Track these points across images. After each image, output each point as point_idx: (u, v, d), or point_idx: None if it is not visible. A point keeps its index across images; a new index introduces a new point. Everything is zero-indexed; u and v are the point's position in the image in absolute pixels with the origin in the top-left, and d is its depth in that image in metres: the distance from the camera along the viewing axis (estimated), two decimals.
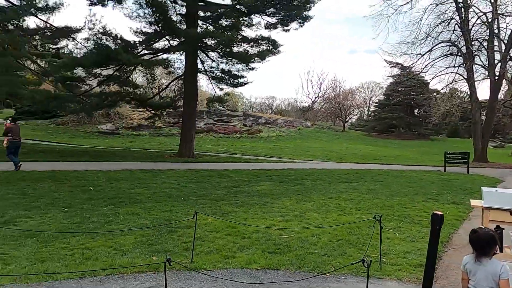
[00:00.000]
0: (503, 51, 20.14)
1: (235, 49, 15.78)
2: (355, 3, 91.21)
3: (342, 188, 9.65)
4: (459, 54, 21.72)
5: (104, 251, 4.31)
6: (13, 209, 6.31)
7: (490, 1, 20.15)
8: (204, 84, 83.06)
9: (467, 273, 2.45)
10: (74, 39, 18.55)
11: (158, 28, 15.13)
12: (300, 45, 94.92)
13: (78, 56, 14.70)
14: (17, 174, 9.64)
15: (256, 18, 16.21)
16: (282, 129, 37.26)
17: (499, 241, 2.84)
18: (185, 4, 15.43)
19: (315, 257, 4.23)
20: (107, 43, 13.44)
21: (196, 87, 17.44)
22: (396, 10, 22.33)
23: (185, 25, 15.84)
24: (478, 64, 21.71)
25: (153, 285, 3.38)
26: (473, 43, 20.81)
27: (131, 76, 19.55)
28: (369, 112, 58.58)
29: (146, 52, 16.17)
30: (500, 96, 26.98)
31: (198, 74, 17.36)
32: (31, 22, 35.05)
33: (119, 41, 14.14)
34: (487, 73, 21.38)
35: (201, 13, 15.95)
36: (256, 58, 15.80)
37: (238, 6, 14.94)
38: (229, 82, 17.54)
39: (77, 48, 17.97)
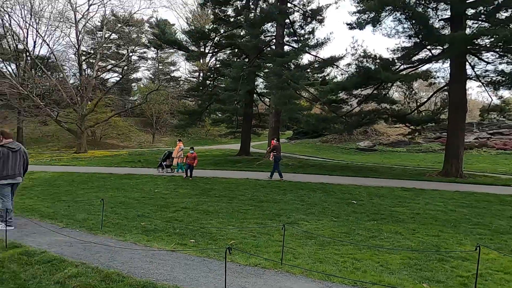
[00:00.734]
0: None
1: None
2: None
3: None
4: None
5: (371, 265, 4.47)
6: (296, 212, 7.75)
7: None
8: (473, 92, 70.99)
9: None
10: (337, 66, 20.92)
11: (418, 40, 14.47)
12: None
13: (342, 80, 16.39)
14: (297, 184, 11.77)
15: None
16: None
17: None
18: (449, 6, 13.96)
19: None
20: (367, 64, 14.20)
21: (465, 96, 15.15)
22: None
23: (449, 30, 14.28)
24: None
25: None
26: None
27: (389, 93, 19.63)
28: None
29: (405, 66, 15.77)
30: None
31: (467, 80, 15.05)
32: (304, 58, 42.61)
33: (378, 61, 14.61)
34: None
35: (470, 11, 13.86)
36: None
37: None
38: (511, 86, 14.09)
39: (340, 74, 20.13)
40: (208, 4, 23.46)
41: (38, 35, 31.53)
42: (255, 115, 27.53)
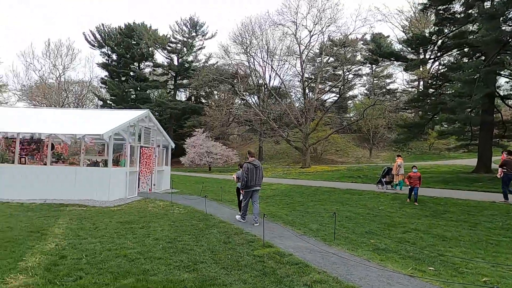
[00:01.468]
0: None
1: None
2: None
3: None
4: None
5: None
6: None
7: None
8: None
9: None
10: None
11: None
12: None
13: None
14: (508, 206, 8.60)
15: None
16: None
17: None
18: None
19: None
20: None
21: None
22: None
23: None
24: None
25: None
26: None
27: None
28: None
29: None
30: None
31: None
32: None
33: None
34: None
35: None
36: None
37: None
38: None
39: None
40: (429, 6, 21.38)
41: (272, 69, 38.20)
42: (497, 123, 22.33)
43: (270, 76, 40.48)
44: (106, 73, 49.75)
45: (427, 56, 28.23)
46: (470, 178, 17.69)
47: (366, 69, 47.58)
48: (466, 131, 23.32)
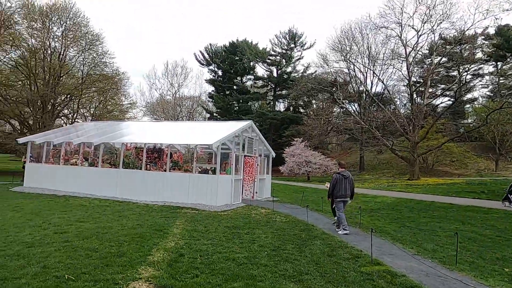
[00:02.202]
0: None
1: None
2: None
3: None
4: None
5: None
6: None
7: None
8: None
9: None
10: None
11: None
12: None
13: None
14: None
15: None
16: None
17: None
18: None
19: None
20: None
21: None
22: None
23: None
24: None
25: None
26: None
27: None
28: None
29: None
30: None
31: None
32: None
33: None
34: None
35: None
36: None
37: None
38: None
39: None
40: None
41: (374, 75, 36.17)
42: None
43: (371, 82, 38.44)
44: (213, 88, 54.32)
45: None
46: None
47: (489, 68, 41.17)
48: None
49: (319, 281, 4.62)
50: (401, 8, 30.17)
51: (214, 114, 53.04)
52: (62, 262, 4.90)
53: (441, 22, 29.79)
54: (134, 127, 17.26)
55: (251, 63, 51.89)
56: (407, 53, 31.83)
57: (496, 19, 24.97)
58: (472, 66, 35.61)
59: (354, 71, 36.47)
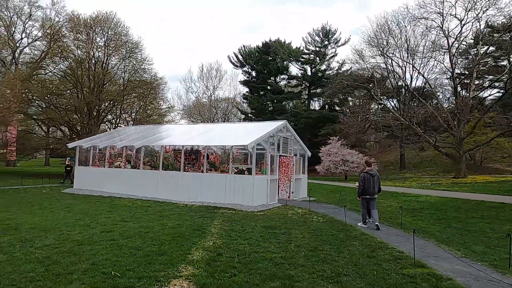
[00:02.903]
0: None
1: None
2: None
3: None
4: None
5: None
6: None
7: None
8: None
9: None
10: None
11: None
12: None
13: None
14: None
15: None
16: None
17: None
18: None
19: None
20: None
21: None
22: None
23: None
24: None
25: None
26: None
27: None
28: None
29: None
30: None
31: None
32: None
33: None
34: None
35: None
36: None
37: None
38: None
39: None
40: None
41: (414, 69, 34.56)
42: None
43: (411, 76, 36.74)
44: (247, 89, 54.76)
45: None
46: None
47: None
48: None
49: (359, 283, 4.51)
50: None
51: (249, 115, 53.44)
52: (109, 260, 5.19)
53: (487, 9, 27.88)
54: (172, 130, 17.86)
55: (285, 63, 51.68)
56: (450, 44, 30.12)
57: None
58: None
59: (392, 66, 35.15)
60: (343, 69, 46.77)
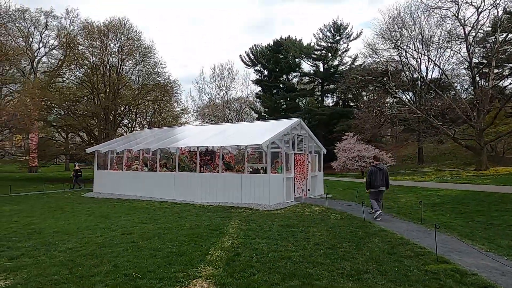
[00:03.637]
0: None
1: None
2: None
3: None
4: None
5: None
6: None
7: None
8: None
9: None
10: None
11: None
12: None
13: None
14: None
15: None
16: None
17: None
18: None
19: None
20: None
21: None
22: None
23: None
24: None
25: None
26: None
27: None
28: None
29: None
30: None
31: None
32: None
33: None
34: None
35: None
36: None
37: None
38: None
39: None
40: None
41: (430, 60, 33.79)
42: None
43: (427, 68, 35.92)
44: (260, 88, 54.71)
45: None
46: None
47: None
48: None
49: (380, 280, 4.44)
50: None
51: (262, 114, 53.40)
52: (129, 261, 5.28)
53: None
54: (187, 131, 18.02)
55: (296, 60, 51.37)
56: (466, 33, 29.29)
57: None
58: None
59: (407, 58, 34.46)
60: (356, 63, 46.15)
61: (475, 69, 31.57)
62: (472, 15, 34.21)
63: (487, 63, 31.69)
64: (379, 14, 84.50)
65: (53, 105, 28.36)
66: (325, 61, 49.70)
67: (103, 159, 17.72)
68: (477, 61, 35.02)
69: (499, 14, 29.07)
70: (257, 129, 14.91)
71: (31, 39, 34.66)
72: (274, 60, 51.39)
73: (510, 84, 36.56)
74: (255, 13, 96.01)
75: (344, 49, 49.41)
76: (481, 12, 28.34)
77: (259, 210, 10.69)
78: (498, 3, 27.41)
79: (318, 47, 50.42)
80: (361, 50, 77.62)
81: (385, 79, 34.80)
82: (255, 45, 54.43)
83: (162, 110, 35.04)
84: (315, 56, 50.22)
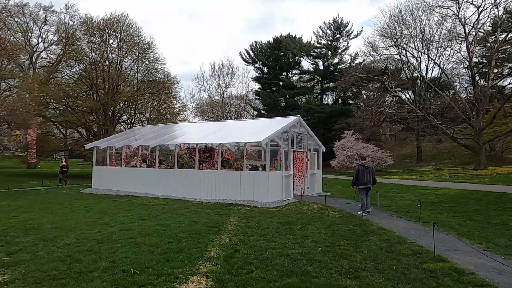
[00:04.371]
0: None
1: None
2: None
3: None
4: None
5: None
6: None
7: None
8: None
9: None
10: None
11: None
12: None
13: None
14: None
15: None
16: None
17: None
18: None
19: None
20: None
21: None
22: None
23: None
24: None
25: None
26: None
27: None
28: None
29: None
30: None
31: None
32: None
33: None
34: None
35: None
36: None
37: None
38: None
39: None
40: None
41: (430, 59, 33.76)
42: None
43: (426, 67, 35.91)
44: (259, 86, 54.63)
45: None
46: None
47: None
48: None
49: (377, 278, 4.45)
50: None
51: (262, 111, 53.36)
52: (128, 257, 5.28)
53: None
54: (186, 128, 17.99)
55: (296, 58, 51.30)
56: (467, 32, 29.27)
57: None
58: None
59: (407, 57, 34.42)
60: (356, 62, 46.10)
61: (475, 68, 31.59)
62: (472, 14, 34.17)
63: (487, 62, 31.72)
64: (380, 12, 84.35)
65: (52, 100, 28.27)
66: (325, 59, 49.62)
67: (102, 155, 17.69)
68: (477, 60, 35.04)
69: (500, 14, 29.06)
70: (256, 127, 14.90)
71: (30, 34, 34.48)
72: (274, 58, 51.30)
73: (509, 83, 36.61)
74: (256, 10, 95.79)
75: (344, 47, 49.35)
76: (481, 12, 28.33)
77: (258, 207, 10.70)
78: (499, 3, 27.40)
79: (318, 45, 50.33)
80: (361, 48, 77.59)
81: (384, 77, 34.79)
82: (255, 42, 54.38)
83: (161, 106, 34.94)
84: (315, 54, 50.13)
